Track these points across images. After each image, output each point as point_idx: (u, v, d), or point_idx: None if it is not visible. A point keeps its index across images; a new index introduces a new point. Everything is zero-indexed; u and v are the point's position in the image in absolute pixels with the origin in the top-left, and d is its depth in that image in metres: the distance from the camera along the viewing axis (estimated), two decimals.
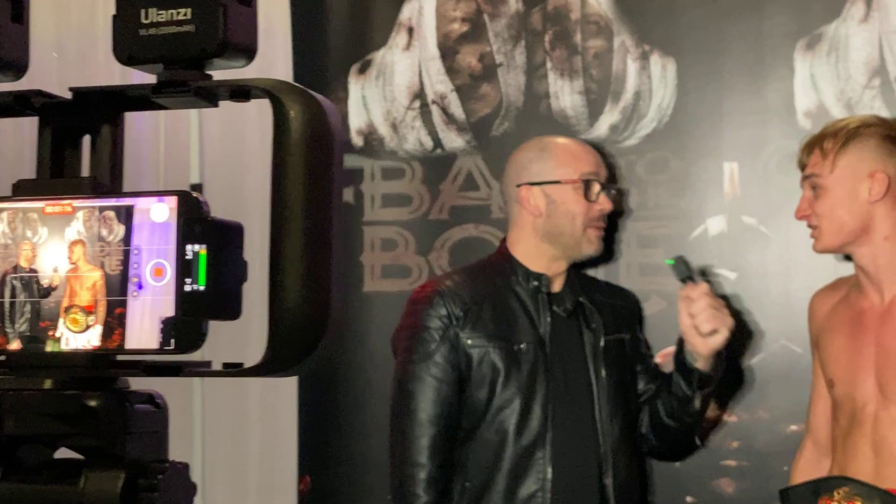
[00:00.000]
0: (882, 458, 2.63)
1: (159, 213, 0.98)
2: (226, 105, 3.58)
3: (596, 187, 2.93)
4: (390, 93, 3.45)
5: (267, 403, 4.03)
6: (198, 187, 3.78)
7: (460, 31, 3.41)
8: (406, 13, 3.45)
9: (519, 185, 2.96)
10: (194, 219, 0.96)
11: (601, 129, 3.31)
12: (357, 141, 3.46)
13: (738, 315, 3.16)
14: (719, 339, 2.80)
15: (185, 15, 0.97)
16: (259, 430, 4.08)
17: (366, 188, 3.45)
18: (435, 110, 3.42)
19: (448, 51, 3.41)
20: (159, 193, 0.98)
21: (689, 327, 2.81)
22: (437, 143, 3.42)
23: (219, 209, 1.04)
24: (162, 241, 0.98)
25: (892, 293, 2.70)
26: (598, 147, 3.13)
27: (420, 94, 3.43)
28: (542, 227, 2.94)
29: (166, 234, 0.98)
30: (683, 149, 3.26)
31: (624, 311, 3.05)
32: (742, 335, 3.17)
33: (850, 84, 3.14)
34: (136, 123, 4.02)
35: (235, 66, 0.99)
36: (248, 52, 0.98)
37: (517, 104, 3.37)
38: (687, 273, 2.83)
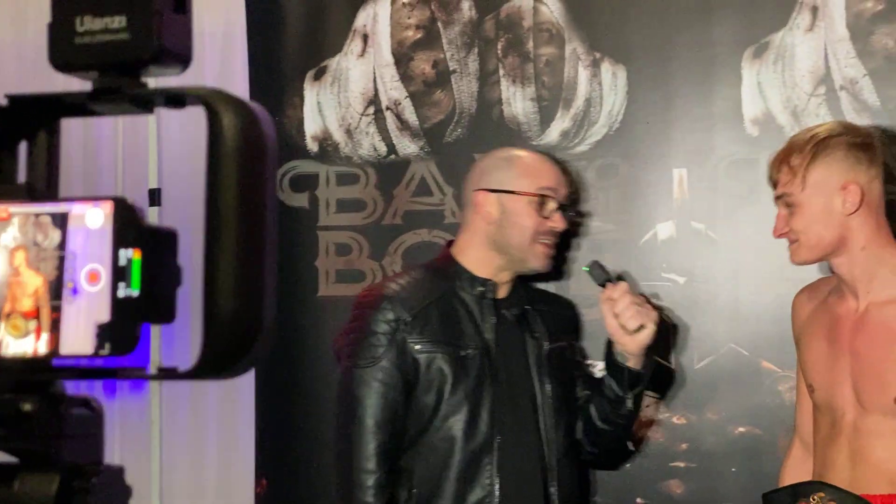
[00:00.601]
0: (858, 467, 2.63)
1: (94, 218, 0.98)
2: (185, 111, 3.56)
3: (551, 204, 2.90)
4: (345, 99, 3.45)
5: (225, 408, 4.02)
6: (156, 192, 3.76)
7: (414, 39, 3.41)
8: (361, 20, 3.44)
9: (476, 190, 2.93)
10: (129, 225, 0.96)
11: (552, 135, 3.32)
12: (312, 147, 3.46)
13: (686, 319, 3.20)
14: (646, 334, 2.82)
15: (119, 23, 0.97)
16: (217, 434, 4.07)
17: (320, 193, 3.45)
18: (389, 116, 3.42)
19: (402, 58, 3.41)
20: (94, 199, 0.97)
21: (615, 327, 2.83)
22: (391, 148, 3.42)
23: (177, 213, 1.05)
24: (97, 246, 0.98)
25: (867, 301, 2.68)
26: (563, 164, 3.13)
27: (374, 101, 3.43)
28: (493, 235, 2.91)
29: (101, 239, 0.97)
30: (633, 155, 3.28)
31: (564, 319, 3.07)
32: (690, 338, 3.20)
33: (797, 92, 3.16)
34: (96, 130, 4.03)
35: (171, 73, 1.00)
36: (182, 59, 0.98)
37: (470, 111, 3.37)
38: (605, 277, 2.86)
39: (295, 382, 3.43)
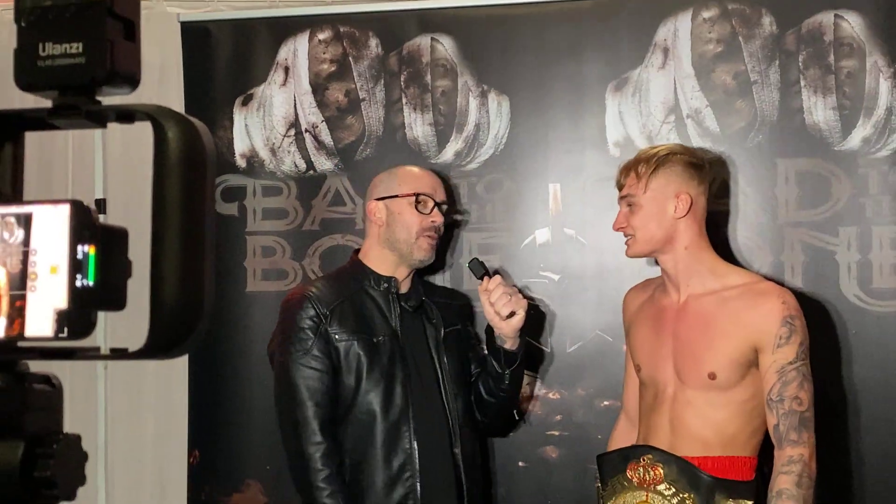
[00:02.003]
0: (677, 431, 2.67)
1: (55, 218, 0.97)
2: (126, 131, 3.49)
3: (429, 202, 2.94)
4: (269, 122, 3.42)
5: (161, 388, 3.97)
6: (101, 202, 3.70)
7: (329, 71, 3.39)
8: (283, 54, 3.41)
9: (369, 202, 2.99)
10: (84, 224, 0.95)
11: (447, 155, 3.32)
12: (241, 163, 3.42)
13: (559, 310, 3.23)
14: (518, 320, 2.86)
15: (76, 48, 0.96)
16: (154, 412, 4.02)
17: (248, 203, 3.41)
18: (308, 138, 3.39)
19: (319, 87, 3.39)
20: (55, 201, 0.96)
21: (492, 315, 2.87)
22: (310, 165, 3.39)
23: (119, 218, 1.03)
24: (57, 242, 0.96)
25: (686, 294, 2.74)
26: (443, 176, 3.14)
27: (295, 124, 3.40)
28: (384, 235, 2.95)
29: (60, 236, 0.96)
30: (515, 172, 3.29)
31: (458, 308, 3.09)
32: (563, 326, 3.23)
33: (651, 120, 3.20)
34: (49, 146, 3.95)
35: (122, 93, 0.98)
36: (132, 80, 0.97)
37: (377, 133, 3.36)
38: (482, 271, 2.91)
39: (224, 366, 3.38)
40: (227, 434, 3.38)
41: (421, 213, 2.93)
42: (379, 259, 2.96)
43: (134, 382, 4.02)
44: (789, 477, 2.55)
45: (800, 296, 2.89)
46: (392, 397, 2.84)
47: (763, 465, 2.67)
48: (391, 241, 2.94)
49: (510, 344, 2.90)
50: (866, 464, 3.03)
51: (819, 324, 3.00)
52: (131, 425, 4.01)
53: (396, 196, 2.94)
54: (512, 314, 2.85)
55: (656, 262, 2.84)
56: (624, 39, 3.23)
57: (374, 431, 2.83)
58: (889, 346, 3.04)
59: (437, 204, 2.96)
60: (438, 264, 3.20)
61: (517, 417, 3.18)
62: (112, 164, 3.89)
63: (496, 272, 3.01)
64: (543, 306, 3.24)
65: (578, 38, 3.26)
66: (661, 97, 3.19)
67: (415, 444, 2.83)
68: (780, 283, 2.86)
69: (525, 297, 2.93)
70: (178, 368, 3.65)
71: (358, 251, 3.04)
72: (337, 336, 2.83)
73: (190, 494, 3.43)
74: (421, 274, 3.09)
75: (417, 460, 2.83)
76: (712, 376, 2.63)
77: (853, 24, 3.09)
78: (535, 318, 3.21)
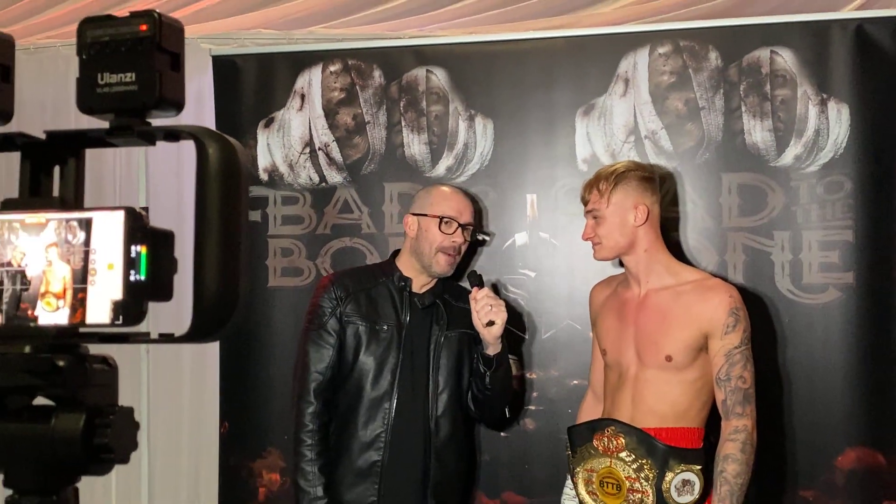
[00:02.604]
0: (638, 406, 2.67)
1: (111, 222, 0.97)
2: (166, 150, 3.49)
3: (453, 224, 2.88)
4: (288, 142, 3.42)
5: (196, 369, 3.97)
6: (145, 209, 3.70)
7: (339, 98, 3.39)
8: (299, 84, 3.41)
9: (406, 214, 2.98)
10: (137, 227, 0.95)
11: (440, 170, 3.32)
12: (263, 177, 3.41)
13: (535, 303, 3.23)
14: (496, 328, 2.80)
15: (130, 78, 0.96)
16: (189, 389, 4.02)
17: (270, 211, 3.41)
18: (320, 155, 3.39)
19: (330, 112, 3.39)
20: (111, 208, 0.96)
21: (476, 321, 2.83)
22: (322, 178, 3.39)
23: (160, 222, 1.03)
24: (113, 243, 0.96)
25: (646, 288, 2.74)
26: (473, 200, 3.09)
27: (310, 143, 3.40)
28: (413, 246, 2.92)
29: (116, 237, 0.96)
30: (498, 184, 3.29)
31: (467, 312, 2.89)
32: (538, 316, 3.23)
33: (614, 140, 3.21)
34: (107, 163, 3.96)
35: (168, 116, 0.98)
36: (177, 105, 0.97)
37: (380, 151, 3.36)
38: (477, 282, 2.86)
39: (249, 350, 3.38)
40: (252, 408, 3.38)
41: (444, 232, 2.88)
42: (407, 263, 2.94)
43: (172, 364, 4.02)
44: (735, 444, 2.57)
45: (741, 290, 2.90)
46: (380, 378, 2.84)
47: (709, 434, 2.68)
48: (417, 251, 2.91)
49: (491, 350, 2.85)
50: (797, 431, 3.05)
51: (757, 314, 3.01)
52: (170, 401, 4.01)
53: (426, 215, 2.91)
54: (491, 323, 2.80)
55: (620, 264, 2.84)
56: (591, 71, 3.23)
57: (359, 401, 2.84)
58: (816, 332, 3.05)
59: (461, 225, 2.91)
60: (461, 273, 3.12)
61: (507, 416, 3.15)
62: (153, 178, 3.90)
63: (493, 286, 3.01)
64: (522, 299, 3.24)
65: (552, 70, 3.26)
66: (623, 120, 3.20)
67: (391, 420, 2.83)
68: (725, 280, 2.87)
69: (507, 304, 2.85)
70: (210, 352, 3.65)
71: (397, 252, 3.02)
72: (346, 318, 2.85)
73: (220, 460, 3.43)
74: (455, 278, 3.05)
75: (390, 433, 2.83)
76: (669, 358, 2.64)
77: (786, 58, 3.10)
78: (515, 311, 3.22)
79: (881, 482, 2.99)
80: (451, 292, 2.99)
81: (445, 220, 2.88)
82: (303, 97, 3.41)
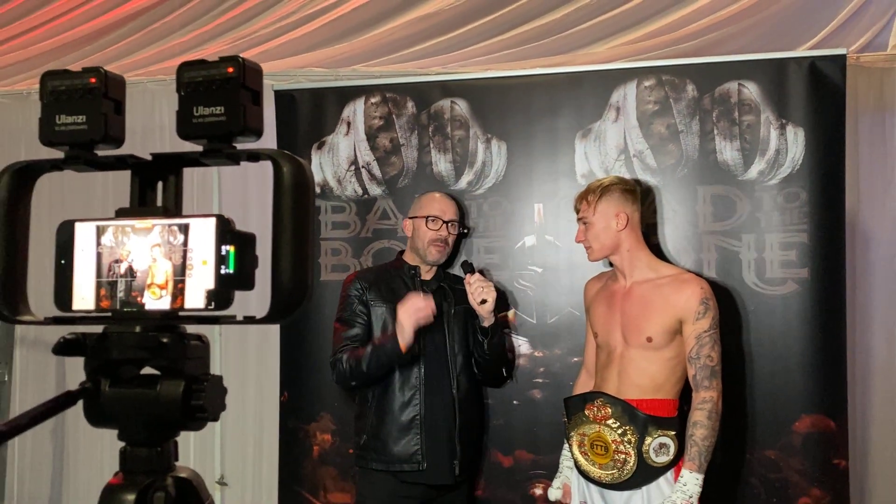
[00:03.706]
0: (623, 380, 2.68)
1: (205, 227, 0.99)
2: (235, 173, 3.51)
3: (438, 221, 2.99)
4: (336, 161, 3.44)
5: (260, 348, 4.00)
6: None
7: (378, 125, 3.41)
8: (346, 113, 3.43)
9: (404, 219, 3.09)
10: (226, 230, 0.97)
11: (462, 184, 3.34)
12: (317, 190, 3.44)
13: (542, 294, 3.23)
14: (488, 305, 2.89)
15: (220, 110, 0.98)
16: (255, 365, 4.05)
17: (322, 218, 3.43)
18: (363, 172, 3.41)
19: (371, 136, 3.41)
20: (205, 215, 0.99)
21: (472, 300, 2.90)
22: (365, 191, 3.41)
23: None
24: (207, 243, 0.98)
25: (631, 281, 2.76)
26: (456, 200, 3.16)
27: (354, 162, 3.42)
28: (412, 243, 3.03)
29: (209, 239, 0.98)
30: (511, 195, 3.30)
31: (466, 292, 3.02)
32: (545, 305, 3.24)
33: (607, 158, 3.21)
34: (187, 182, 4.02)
35: (250, 142, 1.01)
36: (257, 132, 0.99)
37: (413, 168, 3.38)
38: (469, 269, 2.95)
39: (305, 331, 3.40)
40: (307, 380, 3.40)
41: (431, 229, 2.98)
42: (410, 256, 3.05)
43: (240, 345, 4.05)
44: (703, 412, 2.58)
45: (714, 283, 2.91)
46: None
47: (683, 405, 2.69)
48: (415, 247, 3.01)
49: (485, 322, 2.93)
50: (761, 401, 3.04)
51: (727, 304, 3.02)
52: (238, 375, 4.05)
53: (417, 216, 3.00)
54: (484, 301, 2.88)
55: (610, 264, 2.86)
56: (588, 101, 3.24)
57: (393, 369, 2.87)
58: (777, 318, 3.04)
59: (445, 222, 3.00)
60: (450, 262, 3.19)
61: (506, 375, 3.18)
62: (224, 194, 3.95)
63: (480, 271, 3.05)
64: (532, 290, 3.25)
65: (555, 100, 3.27)
66: (615, 142, 3.20)
67: (422, 380, 2.88)
68: (700, 275, 2.87)
69: (502, 288, 2.97)
70: (272, 333, 3.68)
71: (402, 251, 3.10)
72: (372, 302, 2.91)
73: (281, 423, 3.46)
74: (445, 267, 3.12)
75: (423, 391, 2.88)
76: (649, 340, 2.65)
77: (751, 90, 3.10)
78: (524, 299, 3.23)
79: (832, 443, 2.99)
80: (449, 278, 3.08)
81: (431, 218, 2.99)
82: (349, 124, 3.43)
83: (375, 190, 3.40)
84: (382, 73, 3.93)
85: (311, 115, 3.48)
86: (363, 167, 3.41)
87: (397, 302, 2.88)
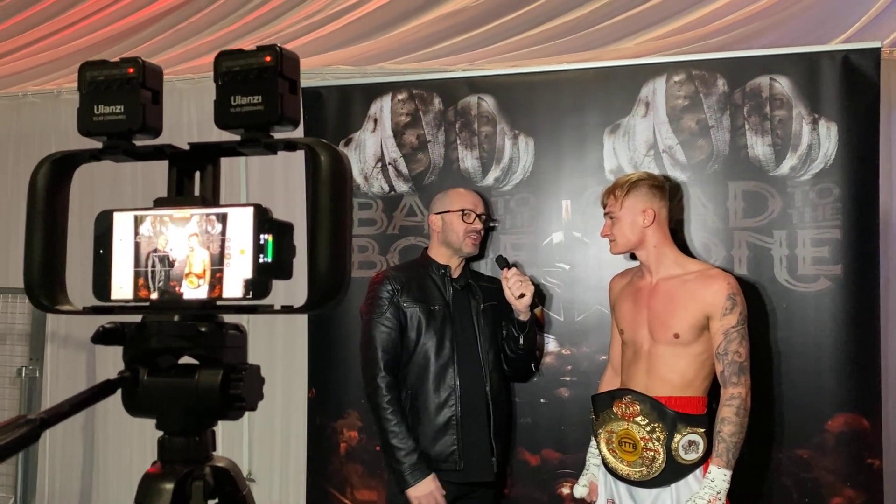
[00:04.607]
0: (651, 378, 2.66)
1: (243, 216, 0.99)
2: (262, 164, 3.52)
3: (471, 214, 2.98)
4: (363, 158, 3.44)
5: (287, 345, 4.01)
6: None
7: (405, 121, 3.41)
8: (372, 110, 3.43)
9: (430, 215, 3.05)
10: (264, 219, 0.96)
11: (489, 180, 3.32)
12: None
13: (570, 291, 3.22)
14: (525, 300, 2.88)
15: (257, 100, 0.97)
16: (282, 362, 4.06)
17: None
18: (390, 168, 3.41)
19: (398, 132, 3.41)
20: (243, 205, 0.98)
21: (508, 295, 2.90)
22: (392, 188, 3.41)
23: None
24: (245, 232, 0.98)
25: (657, 278, 2.74)
26: (482, 194, 3.15)
27: (381, 159, 3.42)
28: (441, 238, 3.00)
29: (247, 228, 0.98)
30: (538, 192, 3.28)
31: (496, 290, 3.02)
32: (573, 302, 3.22)
33: (636, 154, 3.19)
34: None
35: (287, 131, 1.00)
36: (294, 122, 0.99)
37: (439, 165, 3.37)
38: (505, 264, 2.94)
39: (332, 329, 3.41)
40: (334, 377, 3.40)
41: (465, 222, 2.96)
42: (439, 253, 3.01)
43: (267, 341, 4.07)
44: (730, 408, 2.56)
45: (745, 281, 2.88)
46: (442, 348, 2.87)
47: (712, 402, 2.66)
48: (447, 241, 2.98)
49: (522, 316, 2.92)
50: (789, 401, 3.01)
51: (759, 300, 2.99)
52: (265, 372, 4.07)
53: (448, 211, 2.98)
54: (522, 295, 2.87)
55: (633, 257, 2.84)
56: (616, 96, 3.21)
57: (428, 371, 2.87)
58: (809, 315, 3.01)
59: (477, 215, 2.99)
60: (480, 256, 3.21)
61: (534, 370, 3.17)
62: (252, 184, 3.96)
63: (514, 264, 3.03)
64: (559, 287, 3.24)
65: (583, 96, 3.25)
66: (644, 137, 3.18)
67: (457, 381, 2.87)
68: (730, 272, 2.85)
69: (533, 283, 2.94)
70: (300, 329, 3.69)
71: (427, 248, 3.08)
72: (405, 304, 2.88)
73: (308, 420, 3.47)
74: (469, 262, 3.11)
75: (458, 392, 2.86)
76: (676, 336, 2.63)
77: (783, 84, 3.07)
78: (552, 296, 3.22)
79: (865, 443, 2.95)
80: (475, 275, 3.07)
81: (465, 212, 2.97)
82: (375, 121, 3.43)
83: (402, 187, 3.40)
84: (409, 70, 3.93)
85: (338, 112, 3.48)
86: (390, 164, 3.41)
87: (430, 303, 2.89)
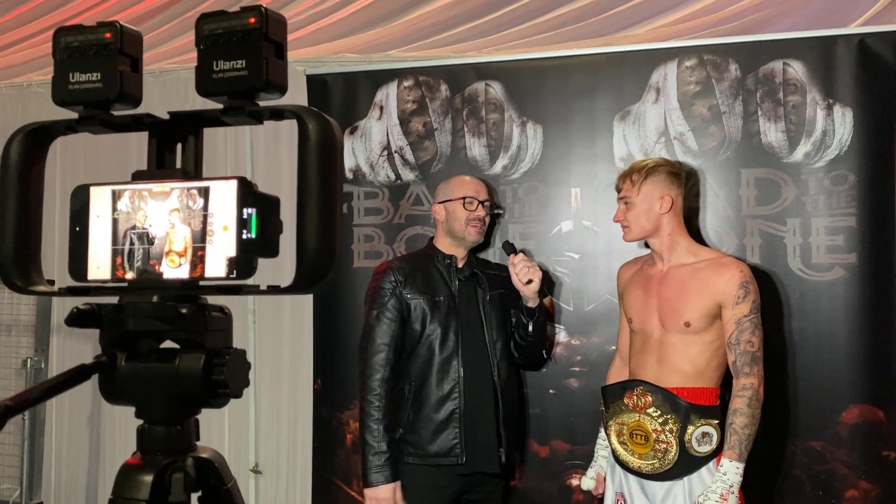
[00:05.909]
0: (663, 367, 2.59)
1: (226, 190, 0.92)
2: (267, 134, 3.44)
3: (474, 202, 2.91)
4: (369, 146, 3.38)
5: (293, 336, 3.95)
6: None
7: (411, 109, 3.35)
8: (378, 97, 3.38)
9: (433, 205, 2.98)
10: (248, 192, 0.91)
11: (497, 168, 3.26)
12: (349, 175, 3.38)
13: (579, 280, 3.15)
14: (534, 285, 2.82)
15: (241, 64, 0.92)
16: (288, 353, 4.01)
17: (354, 204, 3.38)
18: (396, 157, 3.35)
19: (404, 120, 3.34)
20: (226, 178, 0.92)
21: (516, 281, 2.83)
22: (398, 176, 3.35)
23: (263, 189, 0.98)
24: (228, 207, 0.92)
25: (668, 265, 2.67)
26: (485, 181, 3.08)
27: (387, 147, 3.36)
28: (445, 227, 2.92)
29: (230, 202, 0.92)
30: (547, 179, 3.21)
31: (503, 278, 2.95)
32: (582, 292, 3.16)
33: (647, 141, 3.12)
34: (219, 143, 3.96)
35: (274, 98, 0.94)
36: (281, 88, 0.93)
37: (446, 153, 3.31)
38: (512, 250, 2.87)
39: (338, 319, 3.35)
40: (340, 368, 3.35)
41: (468, 210, 2.89)
42: (444, 243, 2.94)
43: (273, 333, 4.01)
44: (743, 399, 2.49)
45: (758, 270, 2.81)
46: (446, 340, 2.80)
47: (725, 394, 2.59)
48: (450, 230, 2.91)
49: (531, 303, 2.86)
50: (802, 392, 2.93)
51: (772, 289, 2.92)
52: (271, 364, 4.01)
53: (451, 200, 2.91)
54: (530, 281, 2.81)
55: (646, 245, 2.77)
56: (627, 82, 3.14)
57: (431, 363, 2.80)
58: (823, 305, 2.93)
59: (480, 202, 2.92)
60: (487, 244, 3.15)
61: (546, 357, 3.11)
62: (256, 155, 3.90)
63: (522, 251, 2.96)
64: (568, 277, 3.17)
65: (593, 82, 3.18)
66: (655, 124, 3.10)
67: (461, 372, 2.80)
68: (743, 260, 2.77)
69: (541, 269, 2.88)
70: (306, 320, 3.64)
71: (433, 238, 3.01)
72: (408, 296, 2.81)
73: (314, 411, 3.42)
74: (476, 251, 3.04)
75: (463, 384, 2.79)
76: (688, 324, 2.57)
77: (797, 69, 2.98)
78: (561, 285, 3.15)
79: (880, 435, 2.87)
80: (480, 264, 2.99)
81: (468, 199, 2.90)
82: (381, 108, 3.37)
83: (408, 175, 3.33)
84: (415, 57, 3.86)
85: (343, 99, 3.42)
86: (396, 152, 3.34)
87: (434, 294, 2.83)
